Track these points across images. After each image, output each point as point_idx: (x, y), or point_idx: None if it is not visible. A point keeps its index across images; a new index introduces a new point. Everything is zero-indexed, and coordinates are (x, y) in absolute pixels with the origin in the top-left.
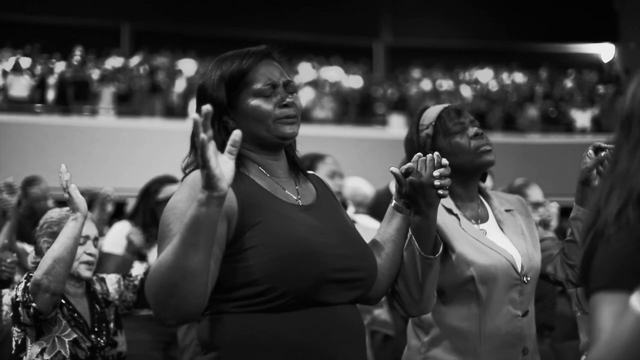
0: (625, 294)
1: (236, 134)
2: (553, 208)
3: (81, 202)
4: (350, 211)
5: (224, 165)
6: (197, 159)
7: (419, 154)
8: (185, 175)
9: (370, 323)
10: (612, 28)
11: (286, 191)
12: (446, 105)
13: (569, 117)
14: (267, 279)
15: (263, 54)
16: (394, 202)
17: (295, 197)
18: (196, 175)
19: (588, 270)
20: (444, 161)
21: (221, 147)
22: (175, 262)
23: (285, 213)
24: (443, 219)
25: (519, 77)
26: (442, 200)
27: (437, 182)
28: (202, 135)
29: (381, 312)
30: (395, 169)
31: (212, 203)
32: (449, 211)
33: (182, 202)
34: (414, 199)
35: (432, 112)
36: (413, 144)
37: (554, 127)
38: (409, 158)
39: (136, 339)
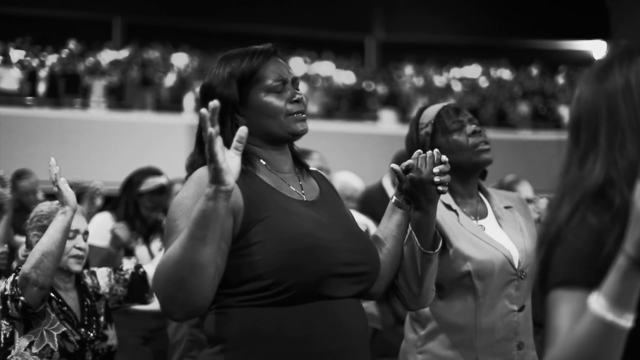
0: (584, 291)
1: (242, 130)
2: (543, 204)
3: (70, 195)
4: None
5: (230, 160)
6: (205, 153)
7: (418, 150)
8: (190, 173)
9: None
10: (604, 25)
11: (291, 187)
12: (445, 103)
13: (558, 113)
14: (273, 273)
15: (270, 52)
16: (394, 198)
17: (299, 193)
18: (202, 172)
19: (546, 274)
20: (444, 158)
21: (230, 146)
22: (183, 256)
23: (291, 208)
24: (442, 214)
25: (511, 74)
26: (442, 197)
27: (436, 179)
28: (210, 130)
29: (368, 306)
30: (395, 166)
31: (220, 197)
32: (448, 207)
33: (189, 198)
34: (414, 195)
35: (431, 110)
36: (413, 143)
37: (543, 123)
38: (409, 156)
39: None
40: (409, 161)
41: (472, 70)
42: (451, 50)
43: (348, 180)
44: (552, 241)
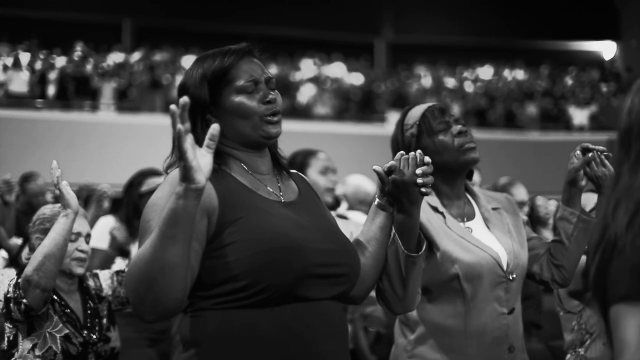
0: None
1: (214, 128)
2: (552, 206)
3: (72, 198)
4: (344, 207)
5: (202, 158)
6: (174, 151)
7: (401, 152)
8: (168, 174)
9: (363, 319)
10: (614, 26)
11: (268, 188)
12: (430, 104)
13: (567, 114)
14: (248, 274)
15: (244, 51)
16: (377, 200)
17: (277, 194)
18: (177, 173)
19: (603, 282)
20: (427, 159)
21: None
22: (153, 256)
23: (267, 209)
24: (428, 217)
25: (521, 74)
26: (428, 199)
27: (419, 180)
28: (179, 127)
29: (375, 309)
30: (377, 167)
31: (190, 196)
32: (435, 209)
33: (162, 198)
34: (397, 197)
35: (416, 111)
36: (398, 144)
37: (552, 124)
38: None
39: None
40: (391, 162)
41: (483, 72)
42: (460, 52)
43: (361, 184)
44: (608, 248)
